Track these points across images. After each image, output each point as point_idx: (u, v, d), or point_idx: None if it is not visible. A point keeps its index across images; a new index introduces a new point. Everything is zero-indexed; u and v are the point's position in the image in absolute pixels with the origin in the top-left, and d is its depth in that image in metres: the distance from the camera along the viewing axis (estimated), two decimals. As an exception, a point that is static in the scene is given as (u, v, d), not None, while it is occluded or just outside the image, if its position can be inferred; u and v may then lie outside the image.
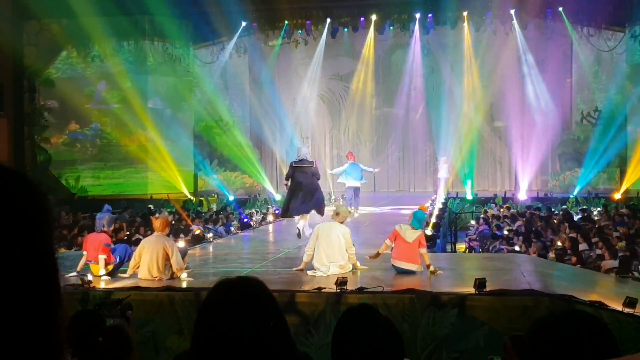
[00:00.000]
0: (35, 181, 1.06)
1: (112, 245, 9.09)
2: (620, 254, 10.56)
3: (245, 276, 1.84)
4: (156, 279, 8.34)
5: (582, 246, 11.99)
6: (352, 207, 16.14)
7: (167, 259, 8.42)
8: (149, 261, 8.40)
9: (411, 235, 8.52)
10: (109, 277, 8.64)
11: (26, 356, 1.00)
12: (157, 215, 9.12)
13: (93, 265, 8.79)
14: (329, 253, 8.65)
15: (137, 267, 8.53)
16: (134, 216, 17.74)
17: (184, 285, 8.19)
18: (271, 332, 1.63)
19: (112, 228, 9.11)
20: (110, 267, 8.80)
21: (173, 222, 16.68)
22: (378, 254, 8.90)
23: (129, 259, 8.78)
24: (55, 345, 1.04)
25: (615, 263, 9.97)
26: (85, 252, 8.94)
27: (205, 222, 16.21)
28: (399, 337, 2.24)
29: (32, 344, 1.00)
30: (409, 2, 23.02)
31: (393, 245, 8.70)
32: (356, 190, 17.01)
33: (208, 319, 1.66)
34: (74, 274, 8.62)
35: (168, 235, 9.04)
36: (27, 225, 1.02)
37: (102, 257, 8.68)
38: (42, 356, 1.02)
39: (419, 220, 8.88)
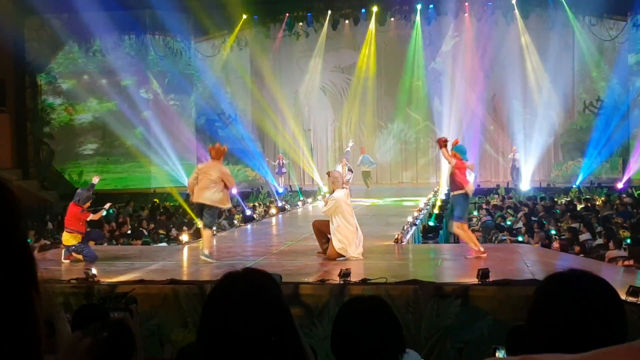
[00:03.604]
0: (2, 178, 1.06)
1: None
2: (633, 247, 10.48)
3: (252, 268, 1.84)
4: (207, 202, 8.76)
5: (586, 236, 11.97)
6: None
7: (220, 183, 8.78)
8: (205, 185, 8.78)
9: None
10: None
11: (4, 350, 0.99)
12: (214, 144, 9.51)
13: (66, 234, 9.19)
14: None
15: (193, 192, 8.95)
16: (137, 210, 17.76)
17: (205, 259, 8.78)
18: (277, 324, 1.64)
19: (86, 205, 9.34)
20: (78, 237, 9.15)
21: (176, 215, 16.72)
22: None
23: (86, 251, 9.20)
24: (33, 339, 1.03)
25: (619, 252, 9.95)
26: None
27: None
28: (398, 326, 2.24)
29: (10, 337, 1.00)
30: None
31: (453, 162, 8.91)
32: (367, 173, 22.55)
33: (215, 310, 1.66)
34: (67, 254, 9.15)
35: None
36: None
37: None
38: (21, 350, 1.01)
39: (463, 151, 9.21)
